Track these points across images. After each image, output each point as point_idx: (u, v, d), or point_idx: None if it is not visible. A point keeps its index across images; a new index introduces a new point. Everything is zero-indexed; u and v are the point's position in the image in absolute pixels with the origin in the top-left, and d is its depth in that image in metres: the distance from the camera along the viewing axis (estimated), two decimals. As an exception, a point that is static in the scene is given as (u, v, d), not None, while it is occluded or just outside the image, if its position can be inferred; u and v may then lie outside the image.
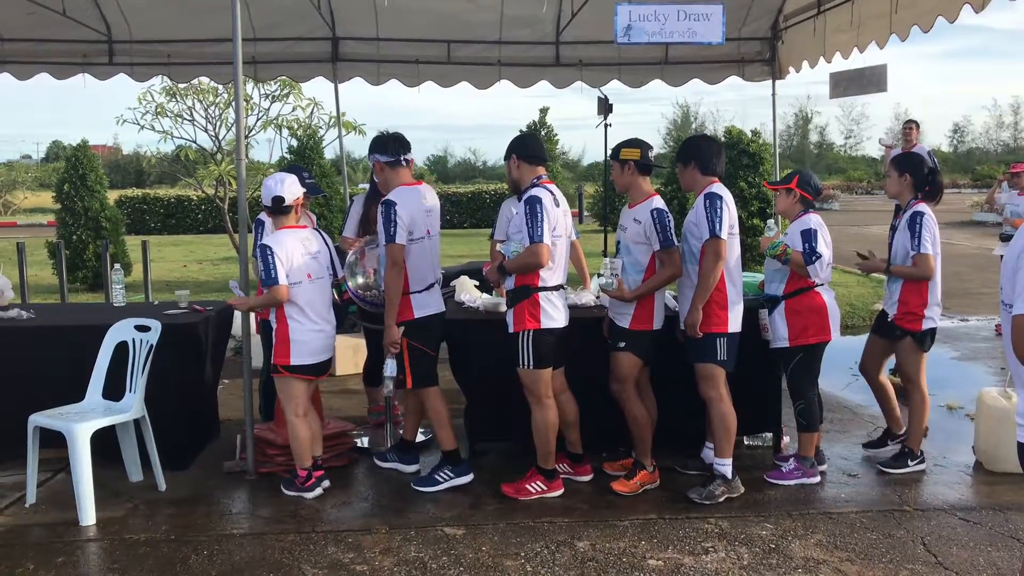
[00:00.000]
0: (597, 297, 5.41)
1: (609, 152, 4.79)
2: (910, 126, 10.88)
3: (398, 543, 4.15)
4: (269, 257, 4.52)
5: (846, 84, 7.37)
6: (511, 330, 4.56)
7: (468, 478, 4.86)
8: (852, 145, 68.23)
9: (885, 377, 5.28)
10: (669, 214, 4.62)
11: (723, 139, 12.50)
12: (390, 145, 4.79)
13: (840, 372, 6.88)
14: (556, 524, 4.35)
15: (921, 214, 4.88)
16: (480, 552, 4.05)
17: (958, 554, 4.02)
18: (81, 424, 4.39)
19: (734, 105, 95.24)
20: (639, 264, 4.64)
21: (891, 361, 5.41)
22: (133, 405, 4.63)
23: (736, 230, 4.63)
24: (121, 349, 4.79)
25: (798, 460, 4.92)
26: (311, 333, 4.66)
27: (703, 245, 4.52)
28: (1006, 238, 8.75)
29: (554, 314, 4.54)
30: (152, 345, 4.68)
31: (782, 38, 8.02)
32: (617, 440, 5.14)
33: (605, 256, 5.07)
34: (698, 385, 4.69)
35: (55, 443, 4.50)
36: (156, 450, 4.77)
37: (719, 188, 4.61)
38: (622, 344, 4.67)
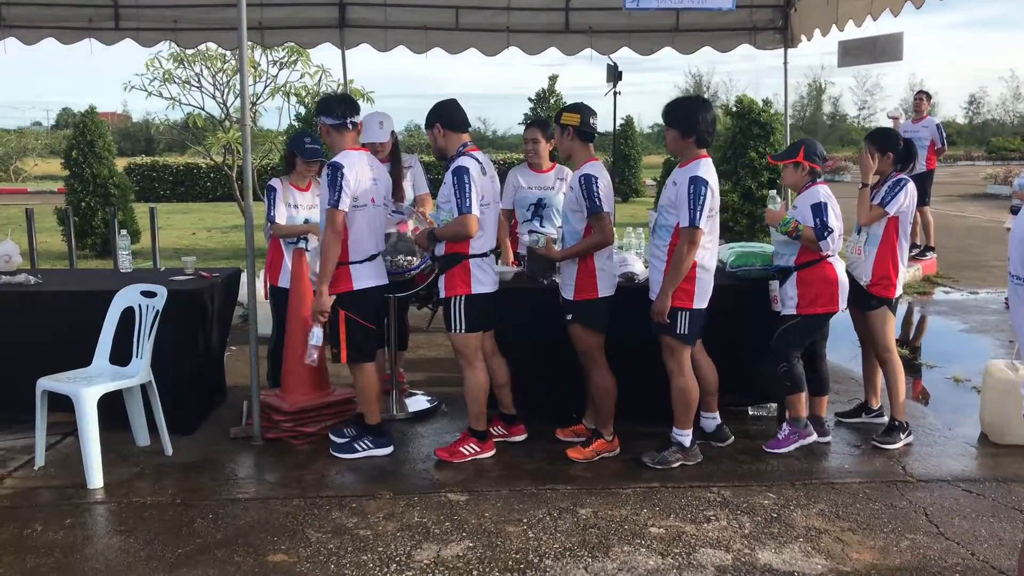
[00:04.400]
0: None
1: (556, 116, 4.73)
2: (920, 97, 10.76)
3: (401, 508, 4.19)
4: None
5: (857, 53, 7.25)
6: (442, 295, 4.65)
7: (388, 450, 4.87)
8: (866, 116, 67.23)
9: (895, 351, 5.15)
10: (599, 178, 4.50)
11: (734, 108, 12.36)
12: (336, 107, 4.65)
13: (847, 344, 6.85)
14: (559, 491, 4.38)
15: (905, 180, 4.97)
16: (483, 518, 4.08)
17: (960, 525, 4.03)
18: (88, 388, 4.43)
19: (747, 75, 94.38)
20: (576, 232, 4.61)
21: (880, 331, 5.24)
22: (140, 370, 4.66)
23: (716, 212, 4.53)
24: (128, 314, 4.81)
25: (790, 423, 4.91)
26: None
27: (679, 229, 4.42)
28: (1016, 210, 8.66)
29: (484, 279, 4.65)
30: (158, 311, 4.69)
31: (795, 5, 7.89)
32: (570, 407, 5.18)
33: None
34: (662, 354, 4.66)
35: (63, 407, 4.54)
36: (163, 415, 4.81)
37: (706, 169, 4.45)
38: (569, 316, 4.67)
